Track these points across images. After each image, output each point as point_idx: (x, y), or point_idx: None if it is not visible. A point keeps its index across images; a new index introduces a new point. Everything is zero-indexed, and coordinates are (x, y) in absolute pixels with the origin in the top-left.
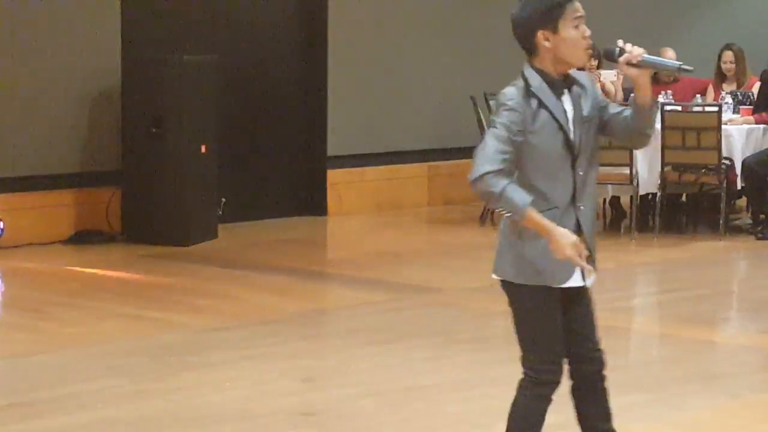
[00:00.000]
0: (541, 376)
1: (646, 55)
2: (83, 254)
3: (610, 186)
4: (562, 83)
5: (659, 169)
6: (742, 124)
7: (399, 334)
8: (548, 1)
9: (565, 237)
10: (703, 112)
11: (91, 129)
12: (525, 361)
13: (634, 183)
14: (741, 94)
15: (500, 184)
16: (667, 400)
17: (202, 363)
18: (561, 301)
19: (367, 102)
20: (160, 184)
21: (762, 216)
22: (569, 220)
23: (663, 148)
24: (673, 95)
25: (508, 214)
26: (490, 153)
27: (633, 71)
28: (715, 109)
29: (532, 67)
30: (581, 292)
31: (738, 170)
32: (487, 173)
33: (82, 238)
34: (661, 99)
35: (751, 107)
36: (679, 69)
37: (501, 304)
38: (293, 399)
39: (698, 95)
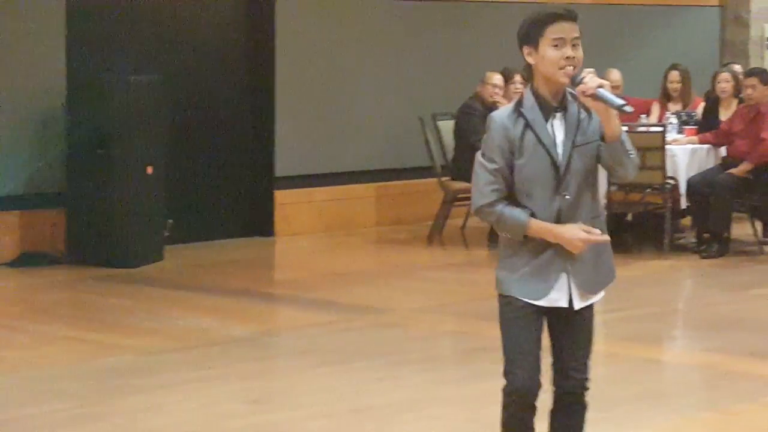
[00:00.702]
0: (512, 383)
1: (600, 89)
2: (27, 276)
3: None
4: (554, 105)
5: (605, 189)
6: (686, 144)
7: (348, 355)
8: (531, 19)
9: (569, 231)
10: (648, 132)
11: (36, 150)
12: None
13: None
14: (686, 115)
15: (495, 212)
16: (614, 419)
17: (147, 386)
18: (545, 317)
19: (316, 122)
20: (105, 206)
21: (706, 235)
22: (553, 244)
23: None
24: (618, 115)
25: (514, 236)
26: (480, 186)
27: (589, 102)
28: (660, 129)
29: (531, 88)
30: (571, 314)
31: (682, 190)
32: (482, 207)
33: (27, 260)
34: None
35: (696, 127)
36: (620, 108)
37: (449, 324)
38: (240, 422)
39: (643, 115)
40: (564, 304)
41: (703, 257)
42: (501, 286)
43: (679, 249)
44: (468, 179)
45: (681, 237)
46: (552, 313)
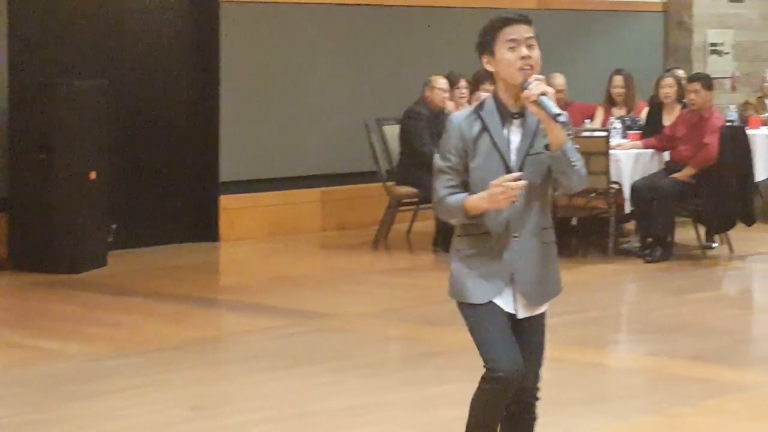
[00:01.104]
0: (495, 369)
1: (542, 97)
2: None
3: None
4: (514, 111)
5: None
6: (630, 149)
7: (294, 360)
8: (484, 28)
9: (489, 191)
10: (592, 137)
11: None
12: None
13: None
14: (629, 119)
15: (442, 203)
16: (557, 423)
17: (93, 392)
18: (505, 315)
19: (261, 127)
20: (48, 211)
21: (650, 239)
22: (502, 248)
23: None
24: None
25: (461, 219)
26: (436, 184)
27: (533, 108)
28: (604, 134)
29: (493, 93)
30: (519, 323)
31: (626, 194)
32: (434, 204)
33: None
34: None
35: (640, 132)
36: (554, 117)
37: (396, 329)
38: (184, 428)
39: (587, 120)
40: (510, 311)
41: (647, 261)
42: (458, 293)
43: (623, 253)
44: (413, 184)
45: (625, 241)
46: (508, 318)
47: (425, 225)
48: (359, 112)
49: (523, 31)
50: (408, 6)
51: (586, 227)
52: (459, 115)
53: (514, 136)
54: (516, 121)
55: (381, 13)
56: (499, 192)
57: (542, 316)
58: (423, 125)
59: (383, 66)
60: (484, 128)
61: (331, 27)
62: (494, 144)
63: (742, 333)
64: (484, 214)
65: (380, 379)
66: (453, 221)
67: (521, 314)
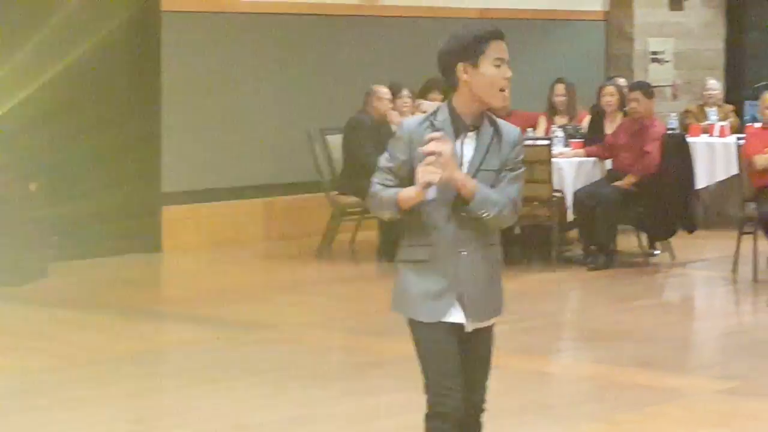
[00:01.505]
0: (433, 407)
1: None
2: None
3: None
4: (470, 124)
5: None
6: (572, 157)
7: (235, 371)
8: (472, 35)
9: (417, 179)
10: (535, 145)
11: None
12: (425, 393)
13: None
14: (571, 128)
15: (375, 195)
16: (500, 431)
17: (31, 406)
18: (455, 336)
19: (203, 137)
20: None
21: (593, 247)
22: (448, 262)
23: None
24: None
25: (393, 215)
26: (374, 180)
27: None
28: (546, 142)
29: (448, 103)
30: (470, 336)
31: (569, 202)
32: (368, 196)
33: None
34: None
35: (582, 140)
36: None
37: (338, 340)
38: None
39: (529, 129)
40: (459, 321)
41: (590, 269)
42: (405, 308)
43: (567, 261)
44: (356, 193)
45: (568, 249)
46: (457, 333)
47: (369, 235)
48: (302, 122)
49: (506, 51)
50: (350, 16)
51: (530, 236)
52: (411, 121)
53: (467, 150)
54: (470, 134)
55: (323, 22)
56: (426, 174)
57: (489, 328)
58: (366, 134)
59: (326, 75)
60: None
61: (274, 37)
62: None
63: (684, 339)
64: (432, 223)
65: (322, 390)
66: (385, 216)
67: (469, 327)
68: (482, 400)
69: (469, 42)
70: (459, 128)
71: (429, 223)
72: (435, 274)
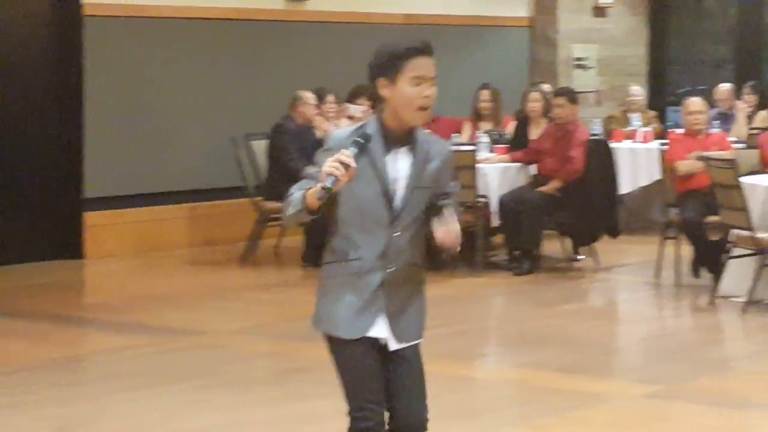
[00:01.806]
0: (355, 424)
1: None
2: None
3: None
4: (400, 139)
5: None
6: (497, 163)
7: (160, 378)
8: (392, 51)
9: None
10: (460, 151)
11: None
12: (347, 408)
13: None
14: (496, 133)
15: (288, 198)
16: None
17: None
18: (378, 352)
19: (126, 142)
20: None
21: (517, 252)
22: (374, 278)
23: None
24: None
25: (303, 214)
26: (293, 187)
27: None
28: (471, 148)
29: (378, 115)
30: (396, 354)
31: (494, 208)
32: (285, 200)
33: None
34: None
35: (507, 146)
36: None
37: (264, 345)
38: None
39: (454, 134)
40: (382, 338)
41: (515, 274)
42: (327, 325)
43: (492, 266)
44: (281, 199)
45: (493, 254)
46: (380, 351)
47: (294, 240)
48: (226, 127)
49: (429, 68)
50: (274, 21)
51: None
52: (342, 133)
53: (401, 165)
54: (403, 149)
55: (247, 27)
56: (334, 159)
57: (417, 345)
58: (291, 140)
59: (250, 81)
60: (366, 153)
61: (198, 42)
62: (375, 171)
63: (607, 344)
64: (362, 240)
65: (248, 396)
66: (294, 220)
67: (393, 346)
68: (426, 412)
69: (387, 58)
70: (390, 142)
71: (357, 237)
72: (360, 290)
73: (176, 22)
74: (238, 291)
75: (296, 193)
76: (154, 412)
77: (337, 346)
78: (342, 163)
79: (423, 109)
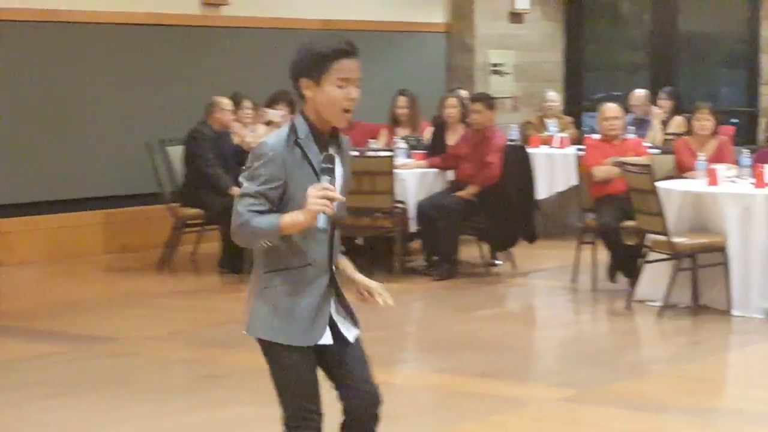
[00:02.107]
0: (291, 431)
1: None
2: None
3: None
4: (329, 139)
5: None
6: (414, 169)
7: (75, 386)
8: (316, 52)
9: (308, 202)
10: (377, 156)
11: None
12: (282, 417)
13: None
14: (414, 139)
15: (247, 226)
16: None
17: None
18: (318, 356)
19: (40, 148)
20: None
21: (435, 258)
22: (323, 281)
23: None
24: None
25: (269, 242)
26: (240, 208)
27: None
28: (389, 153)
29: (302, 114)
30: (344, 348)
31: (411, 213)
32: (235, 228)
33: None
34: None
35: (424, 152)
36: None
37: (181, 353)
38: None
39: (371, 140)
40: (329, 342)
41: (433, 280)
42: (274, 333)
43: (410, 272)
44: (198, 205)
45: (411, 260)
46: (323, 350)
47: (211, 246)
48: (142, 133)
49: (354, 69)
50: (190, 26)
51: (372, 246)
52: (276, 141)
53: (338, 169)
54: (332, 148)
55: (163, 33)
56: (320, 195)
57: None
58: (207, 146)
59: (166, 87)
60: (304, 156)
61: (114, 47)
62: (315, 174)
63: (525, 349)
64: (306, 245)
65: (165, 404)
66: (256, 244)
67: (352, 337)
68: (378, 391)
69: (312, 59)
70: (320, 142)
71: (303, 243)
72: (314, 296)
73: (91, 28)
74: (155, 297)
75: (257, 221)
76: (71, 421)
77: (283, 353)
78: (328, 198)
79: (347, 111)
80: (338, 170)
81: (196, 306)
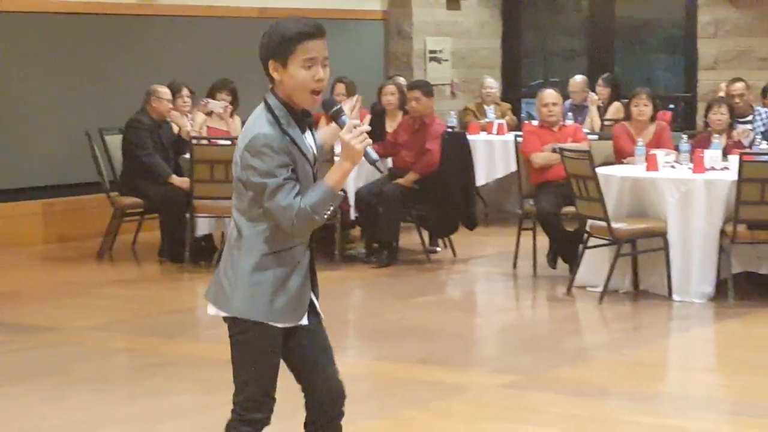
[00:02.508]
0: (246, 413)
1: (368, 148)
2: None
3: (227, 219)
4: (303, 118)
5: None
6: None
7: (15, 376)
8: (281, 34)
9: (348, 145)
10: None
11: None
12: (235, 399)
13: None
14: None
15: (305, 212)
16: (285, 430)
17: None
18: (283, 338)
19: None
20: None
21: (375, 245)
22: (305, 261)
23: None
24: None
25: (330, 209)
26: (283, 200)
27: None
28: None
29: (276, 96)
30: (306, 328)
31: (351, 201)
32: (294, 218)
33: None
34: None
35: None
36: (374, 164)
37: (122, 342)
38: None
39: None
40: (305, 322)
41: (373, 267)
42: (258, 312)
43: (349, 259)
44: (137, 194)
45: (351, 248)
46: (290, 333)
47: (151, 235)
48: (81, 122)
49: (321, 49)
50: (127, 15)
51: (312, 234)
52: (269, 132)
53: (310, 141)
54: (308, 129)
55: (102, 22)
56: (357, 133)
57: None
58: (146, 135)
59: (105, 75)
60: (293, 141)
61: (50, 36)
62: (303, 154)
63: (466, 335)
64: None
65: (105, 393)
66: (320, 222)
67: (310, 320)
68: (343, 386)
69: (278, 41)
70: (299, 122)
71: None
72: (302, 275)
73: (28, 16)
74: (95, 287)
75: (311, 196)
76: (11, 410)
77: (259, 334)
78: (364, 132)
79: (315, 92)
80: (312, 146)
81: (136, 295)
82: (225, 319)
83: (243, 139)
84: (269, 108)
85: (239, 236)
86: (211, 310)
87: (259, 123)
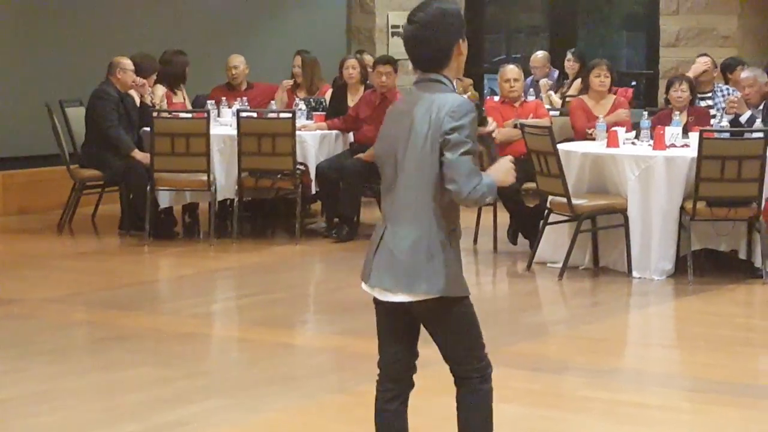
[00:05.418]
0: (488, 370)
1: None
2: None
3: (188, 193)
4: None
5: (236, 175)
6: (315, 130)
7: None
8: (459, 14)
9: (506, 170)
10: (278, 118)
11: None
12: (470, 366)
13: (212, 189)
14: (314, 101)
15: (484, 185)
16: (244, 403)
17: None
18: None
19: None
20: None
21: (336, 219)
22: None
23: (240, 154)
24: (248, 101)
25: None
26: (468, 171)
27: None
28: (289, 115)
29: (447, 77)
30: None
31: (312, 175)
32: (480, 186)
33: None
34: (236, 105)
35: (324, 113)
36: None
37: (81, 313)
38: None
39: (272, 101)
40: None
41: (334, 241)
42: (463, 288)
43: (311, 234)
44: (98, 166)
45: (312, 222)
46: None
47: (111, 208)
48: (41, 94)
49: None
50: None
51: (273, 208)
52: (466, 101)
53: None
54: None
55: None
56: (509, 176)
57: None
58: (112, 107)
59: (65, 46)
60: None
61: (9, 6)
62: None
63: None
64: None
65: (64, 365)
66: (484, 201)
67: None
68: (473, 368)
69: (461, 21)
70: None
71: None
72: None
73: None
74: (54, 259)
75: (487, 178)
76: None
77: (467, 304)
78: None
79: None
80: None
81: (96, 268)
82: (424, 302)
83: (438, 109)
84: (450, 84)
85: (422, 217)
86: (401, 297)
87: (454, 96)
